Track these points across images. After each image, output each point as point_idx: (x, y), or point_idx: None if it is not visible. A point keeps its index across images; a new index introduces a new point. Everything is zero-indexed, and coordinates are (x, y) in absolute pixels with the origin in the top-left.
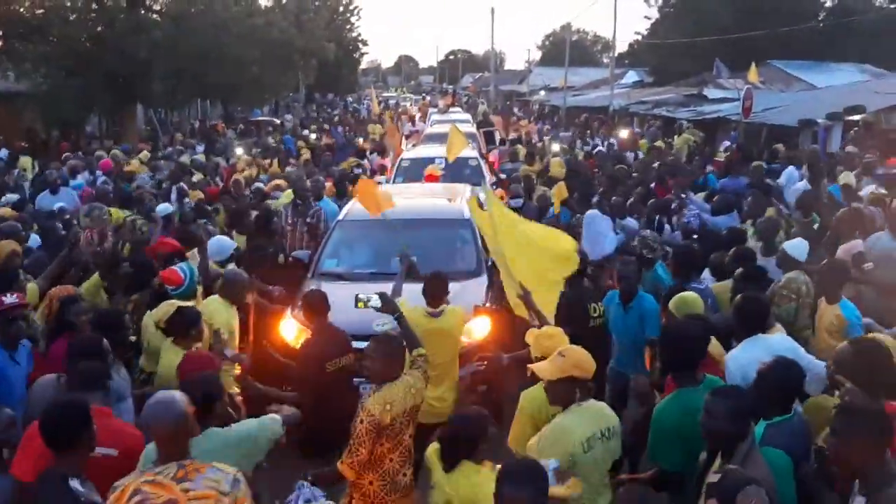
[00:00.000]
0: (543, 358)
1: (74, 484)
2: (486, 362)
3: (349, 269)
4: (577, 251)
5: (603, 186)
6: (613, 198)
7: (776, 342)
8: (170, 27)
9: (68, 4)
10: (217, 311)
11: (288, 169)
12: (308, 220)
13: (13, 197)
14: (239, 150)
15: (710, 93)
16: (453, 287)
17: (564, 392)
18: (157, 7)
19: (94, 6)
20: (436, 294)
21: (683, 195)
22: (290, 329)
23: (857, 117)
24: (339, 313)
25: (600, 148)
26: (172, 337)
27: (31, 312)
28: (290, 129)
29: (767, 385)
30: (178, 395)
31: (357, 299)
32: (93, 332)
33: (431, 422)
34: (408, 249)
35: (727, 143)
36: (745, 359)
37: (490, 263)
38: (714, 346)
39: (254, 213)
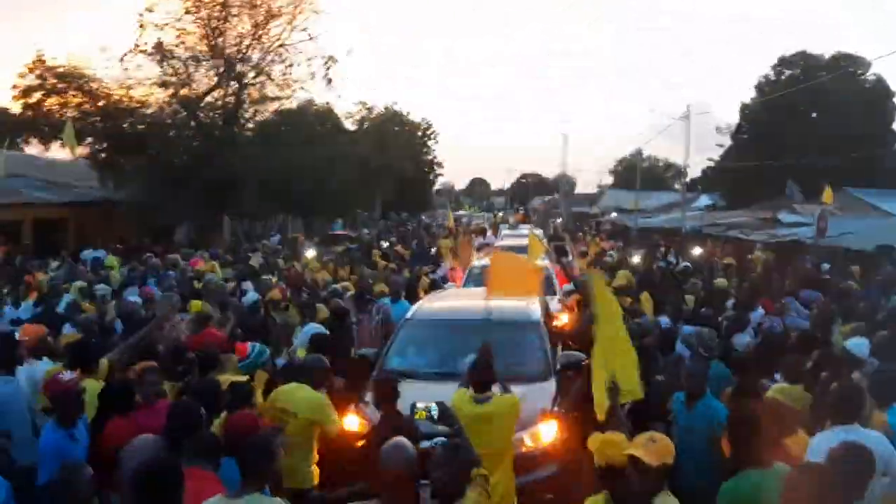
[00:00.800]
0: (609, 467)
1: None
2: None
3: (414, 367)
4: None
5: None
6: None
7: (871, 437)
8: (261, 143)
9: (169, 122)
10: (293, 396)
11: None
12: (376, 315)
13: (105, 288)
14: (310, 253)
15: (785, 217)
16: (520, 390)
17: (658, 480)
18: (250, 124)
19: (192, 123)
20: (481, 380)
21: (785, 301)
22: (354, 423)
23: None
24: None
25: (685, 264)
26: (225, 410)
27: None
28: (367, 241)
29: (841, 468)
30: (409, 443)
31: (414, 409)
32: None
33: None
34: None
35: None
36: (835, 441)
37: (559, 368)
38: (800, 440)
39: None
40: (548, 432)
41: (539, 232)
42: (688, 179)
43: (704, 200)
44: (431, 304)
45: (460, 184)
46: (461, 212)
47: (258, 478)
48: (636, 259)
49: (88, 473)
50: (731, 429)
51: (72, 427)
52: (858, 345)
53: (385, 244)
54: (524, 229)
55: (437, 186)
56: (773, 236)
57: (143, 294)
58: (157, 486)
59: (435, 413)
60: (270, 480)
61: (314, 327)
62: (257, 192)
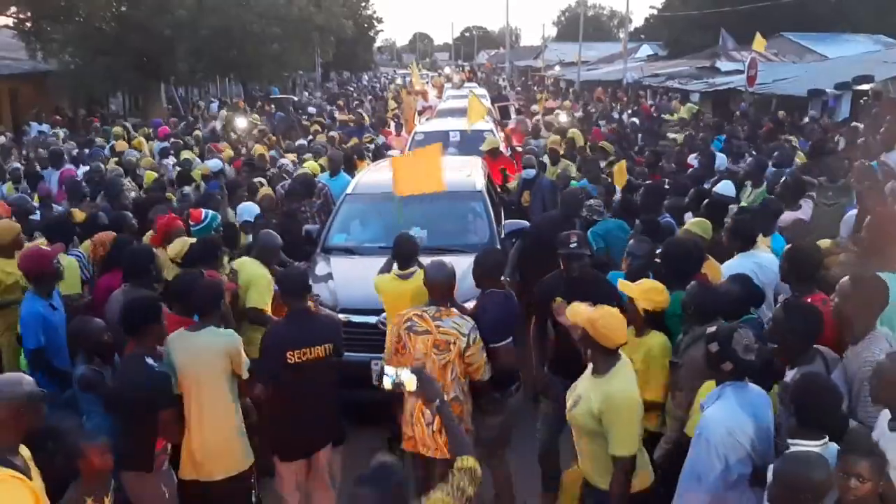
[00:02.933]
0: (654, 312)
1: (149, 360)
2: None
3: (358, 243)
4: None
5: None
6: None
7: (764, 258)
8: (192, 6)
9: None
10: (247, 268)
11: (300, 142)
12: (317, 200)
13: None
14: (241, 123)
15: (723, 65)
16: (467, 261)
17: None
18: None
19: None
20: (404, 255)
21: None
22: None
23: (866, 87)
24: (344, 287)
25: (634, 120)
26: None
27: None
28: (307, 105)
29: (733, 297)
30: (449, 262)
31: (383, 374)
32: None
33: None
34: (414, 231)
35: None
36: (738, 267)
37: (503, 236)
38: (713, 265)
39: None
40: None
41: (484, 91)
42: (631, 28)
43: (646, 50)
44: (372, 177)
45: (402, 40)
46: (401, 71)
47: (211, 314)
48: (563, 117)
49: (100, 323)
50: (665, 255)
51: (48, 298)
52: (726, 187)
53: (330, 108)
54: (469, 89)
55: (378, 44)
56: (710, 85)
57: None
58: (134, 316)
59: (406, 379)
60: (221, 318)
61: (249, 205)
62: (192, 57)
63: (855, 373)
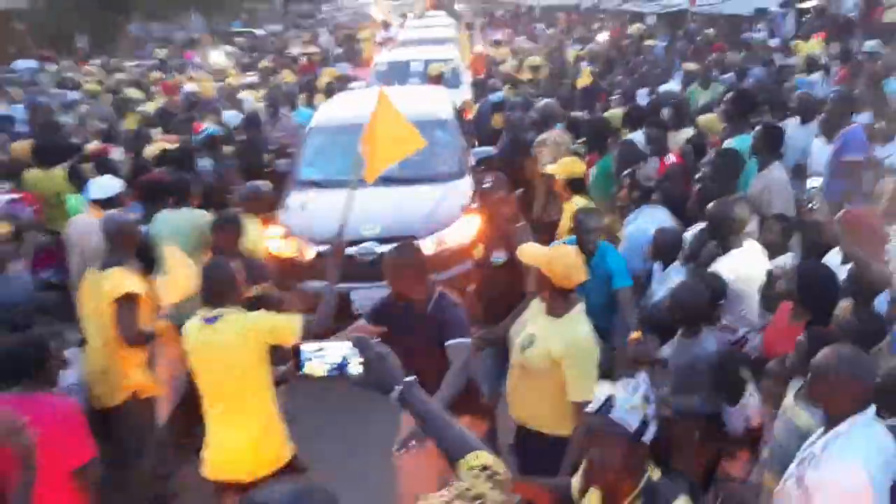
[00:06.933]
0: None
1: None
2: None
3: (329, 176)
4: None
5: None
6: None
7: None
8: None
9: None
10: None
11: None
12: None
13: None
14: (217, 56)
15: None
16: (438, 189)
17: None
18: None
19: None
20: (212, 286)
21: None
22: (278, 237)
23: (809, 4)
24: (320, 223)
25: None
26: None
27: None
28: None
29: None
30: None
31: (302, 357)
32: None
33: (224, 478)
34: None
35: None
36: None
37: (472, 164)
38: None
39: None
40: (469, 226)
41: (450, 21)
42: None
43: None
44: (334, 110)
45: None
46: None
47: None
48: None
49: None
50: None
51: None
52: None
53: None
54: (433, 18)
55: None
56: (664, 7)
57: None
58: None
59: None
60: None
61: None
62: None
63: None
